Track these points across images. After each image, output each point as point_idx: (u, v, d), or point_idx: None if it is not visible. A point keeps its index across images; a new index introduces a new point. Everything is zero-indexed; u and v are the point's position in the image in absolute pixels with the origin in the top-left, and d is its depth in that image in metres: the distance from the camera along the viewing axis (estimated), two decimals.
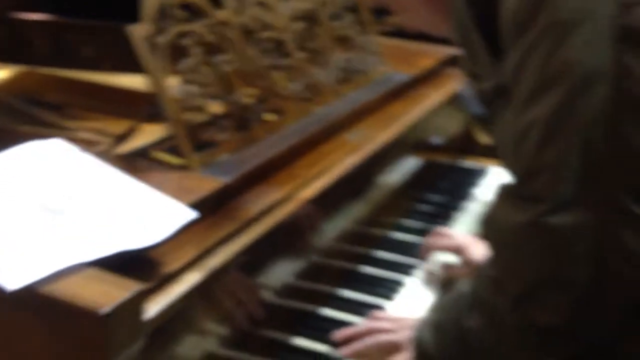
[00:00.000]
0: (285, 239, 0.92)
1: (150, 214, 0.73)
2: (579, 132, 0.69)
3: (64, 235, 0.68)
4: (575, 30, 0.69)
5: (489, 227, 0.81)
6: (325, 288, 1.07)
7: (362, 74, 1.37)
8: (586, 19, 0.69)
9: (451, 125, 1.59)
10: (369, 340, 0.94)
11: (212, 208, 0.85)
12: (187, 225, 0.75)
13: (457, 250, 1.13)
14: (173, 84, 0.94)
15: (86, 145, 0.96)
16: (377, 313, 1.00)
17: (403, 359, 0.91)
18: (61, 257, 0.64)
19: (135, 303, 0.62)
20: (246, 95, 1.05)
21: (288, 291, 0.95)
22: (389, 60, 1.48)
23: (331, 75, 1.27)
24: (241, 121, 1.02)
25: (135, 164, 0.92)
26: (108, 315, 0.59)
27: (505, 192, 0.77)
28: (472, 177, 1.53)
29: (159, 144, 0.97)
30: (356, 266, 1.15)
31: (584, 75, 0.69)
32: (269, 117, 1.09)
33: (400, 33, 1.71)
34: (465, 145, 1.64)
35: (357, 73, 1.36)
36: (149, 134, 1.01)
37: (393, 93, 1.38)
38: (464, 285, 0.86)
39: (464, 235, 1.17)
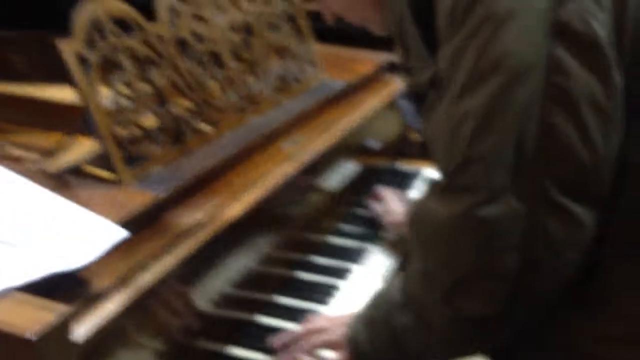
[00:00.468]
0: (220, 250, 0.93)
1: (78, 234, 0.73)
2: (513, 124, 0.70)
3: None
4: (511, 22, 0.70)
5: (418, 224, 0.81)
6: (261, 296, 1.09)
7: (300, 82, 1.40)
8: (521, 12, 0.70)
9: (388, 128, 1.63)
10: (305, 345, 0.96)
11: (146, 222, 0.86)
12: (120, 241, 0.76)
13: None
14: (105, 95, 0.95)
15: (12, 162, 0.95)
16: (313, 316, 1.03)
17: (340, 357, 0.93)
18: None
19: (64, 326, 0.63)
20: (181, 107, 1.06)
21: (223, 301, 0.97)
22: (327, 68, 1.50)
23: (267, 84, 1.29)
24: (175, 133, 1.03)
25: (66, 179, 0.92)
26: (37, 340, 0.59)
27: (436, 187, 0.78)
28: (407, 179, 1.57)
29: (91, 159, 0.97)
30: (292, 272, 1.17)
31: (518, 67, 0.70)
32: (204, 128, 1.10)
33: (337, 38, 1.75)
34: (401, 147, 1.69)
35: (295, 81, 1.38)
36: (82, 147, 1.01)
37: (330, 100, 1.40)
38: (394, 281, 0.88)
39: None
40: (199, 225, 0.89)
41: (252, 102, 1.23)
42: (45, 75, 1.21)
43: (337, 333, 0.94)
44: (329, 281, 1.16)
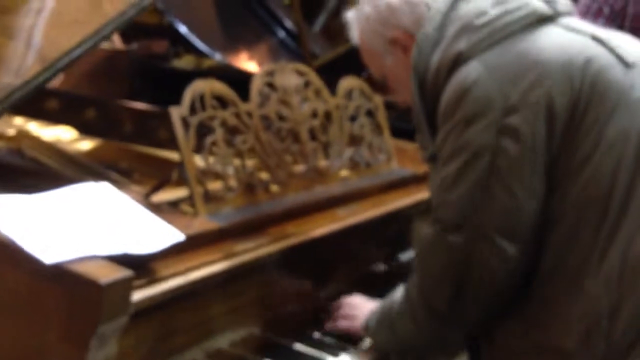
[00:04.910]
0: (253, 275, 1.17)
1: (152, 234, 1.03)
2: (469, 186, 1.07)
3: (93, 237, 0.98)
4: (474, 122, 1.07)
5: (415, 242, 1.23)
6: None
7: (370, 166, 1.65)
8: (481, 116, 1.07)
9: None
10: (331, 326, 1.33)
11: (206, 242, 1.14)
12: (183, 249, 1.05)
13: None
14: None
15: (133, 193, 1.28)
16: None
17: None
18: (86, 250, 0.95)
19: (126, 284, 0.91)
20: (257, 168, 1.36)
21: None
22: (403, 160, 1.75)
23: (337, 163, 1.56)
24: (248, 186, 1.32)
25: (162, 208, 1.23)
26: (105, 286, 0.88)
27: (429, 218, 1.15)
28: None
29: (184, 198, 1.28)
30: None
31: (476, 150, 1.07)
32: (274, 187, 1.38)
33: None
34: None
35: (365, 165, 1.64)
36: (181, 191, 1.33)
37: (394, 184, 1.64)
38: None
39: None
40: (242, 252, 1.15)
41: (320, 174, 1.50)
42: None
43: (359, 322, 1.28)
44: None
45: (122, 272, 0.92)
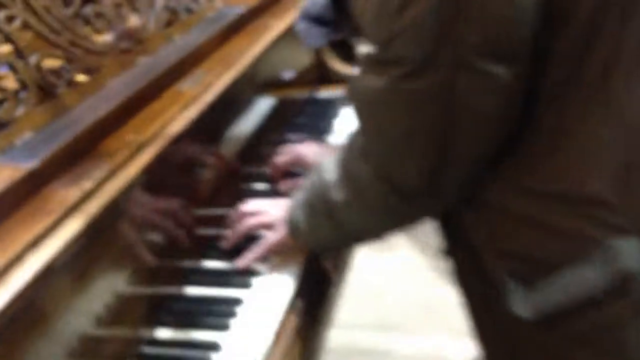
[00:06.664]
0: (115, 223, 0.76)
1: None
2: None
3: None
4: None
5: (355, 96, 0.79)
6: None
7: (192, 12, 1.21)
8: None
9: (301, 56, 1.47)
10: (240, 227, 0.97)
11: (20, 200, 0.68)
12: None
13: (297, 161, 1.11)
14: None
15: None
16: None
17: (275, 235, 0.93)
18: None
19: None
20: (47, 56, 0.87)
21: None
22: None
23: (151, 19, 1.10)
24: (43, 88, 0.84)
25: None
26: None
27: (368, 60, 0.75)
28: (329, 107, 1.43)
29: None
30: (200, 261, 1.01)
31: None
32: (81, 78, 0.91)
33: None
34: (320, 74, 1.53)
35: (186, 12, 1.19)
36: None
37: (229, 29, 1.23)
38: (328, 163, 0.86)
39: (302, 146, 1.13)
40: (90, 196, 0.71)
41: (136, 40, 1.04)
42: None
43: (273, 214, 0.95)
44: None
45: None
